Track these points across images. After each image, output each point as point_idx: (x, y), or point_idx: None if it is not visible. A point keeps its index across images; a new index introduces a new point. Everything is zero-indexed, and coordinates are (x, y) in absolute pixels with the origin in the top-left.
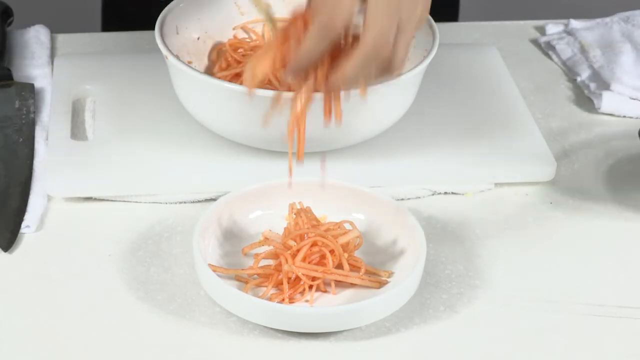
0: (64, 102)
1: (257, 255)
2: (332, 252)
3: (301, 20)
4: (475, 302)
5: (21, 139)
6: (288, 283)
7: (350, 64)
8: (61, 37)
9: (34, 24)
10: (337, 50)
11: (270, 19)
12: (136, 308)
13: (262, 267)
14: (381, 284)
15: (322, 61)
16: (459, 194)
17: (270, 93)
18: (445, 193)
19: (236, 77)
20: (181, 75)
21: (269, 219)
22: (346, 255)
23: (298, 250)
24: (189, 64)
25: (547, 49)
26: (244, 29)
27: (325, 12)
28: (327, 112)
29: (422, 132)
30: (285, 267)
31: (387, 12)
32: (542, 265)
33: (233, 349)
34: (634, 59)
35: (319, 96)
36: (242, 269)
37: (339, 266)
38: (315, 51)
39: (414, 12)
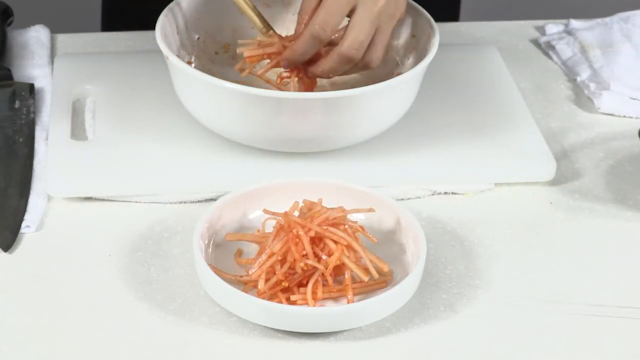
0: (64, 102)
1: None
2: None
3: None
4: (475, 302)
5: (21, 139)
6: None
7: (325, 63)
8: (61, 37)
9: (34, 24)
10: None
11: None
12: (136, 308)
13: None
14: (384, 277)
15: None
16: (459, 194)
17: (270, 93)
18: (445, 193)
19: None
20: (181, 75)
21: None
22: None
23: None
24: (188, 64)
25: (547, 49)
26: None
27: (318, 22)
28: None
29: (422, 132)
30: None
31: (367, 23)
32: (542, 265)
33: (233, 349)
34: (634, 59)
35: (316, 96)
36: (246, 260)
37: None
38: (307, 53)
39: (392, 19)
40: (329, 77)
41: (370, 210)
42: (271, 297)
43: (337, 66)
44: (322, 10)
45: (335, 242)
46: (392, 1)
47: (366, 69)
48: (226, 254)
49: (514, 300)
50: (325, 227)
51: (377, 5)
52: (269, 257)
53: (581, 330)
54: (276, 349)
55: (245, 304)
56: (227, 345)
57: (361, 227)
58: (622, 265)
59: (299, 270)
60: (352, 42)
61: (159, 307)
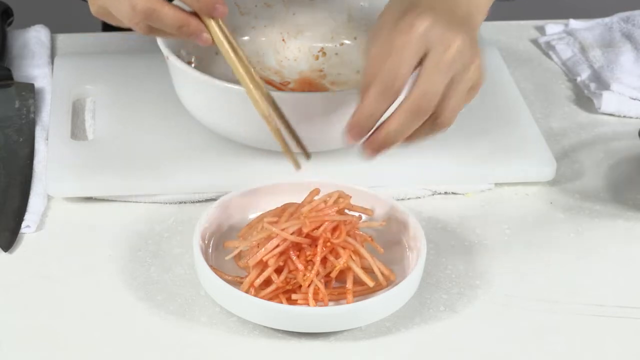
0: (64, 102)
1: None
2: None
3: None
4: (475, 302)
5: (21, 139)
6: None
7: (391, 122)
8: (61, 37)
9: (34, 24)
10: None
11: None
12: (136, 308)
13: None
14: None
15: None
16: (459, 194)
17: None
18: (445, 193)
19: None
20: (181, 75)
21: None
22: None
23: (314, 256)
24: (189, 64)
25: (547, 49)
26: None
27: (385, 73)
28: None
29: None
30: (302, 278)
31: (437, 71)
32: (542, 265)
33: (233, 349)
34: (634, 59)
35: (316, 96)
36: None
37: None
38: (377, 112)
39: (466, 70)
40: (391, 145)
41: (381, 224)
42: (271, 297)
43: (404, 124)
44: (388, 61)
45: (343, 247)
46: (466, 47)
47: (438, 130)
48: (226, 254)
49: (514, 300)
50: (329, 244)
51: (449, 52)
52: (259, 275)
53: (581, 330)
54: (276, 349)
55: (245, 304)
56: (227, 345)
57: (370, 237)
58: (622, 265)
59: (299, 280)
60: (421, 92)
61: (159, 307)
